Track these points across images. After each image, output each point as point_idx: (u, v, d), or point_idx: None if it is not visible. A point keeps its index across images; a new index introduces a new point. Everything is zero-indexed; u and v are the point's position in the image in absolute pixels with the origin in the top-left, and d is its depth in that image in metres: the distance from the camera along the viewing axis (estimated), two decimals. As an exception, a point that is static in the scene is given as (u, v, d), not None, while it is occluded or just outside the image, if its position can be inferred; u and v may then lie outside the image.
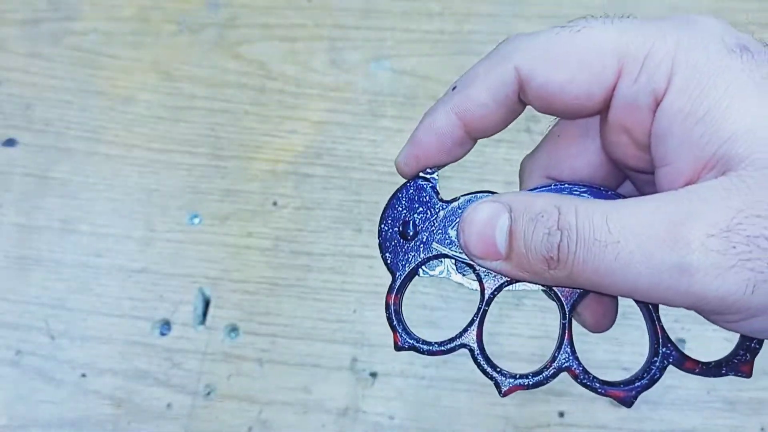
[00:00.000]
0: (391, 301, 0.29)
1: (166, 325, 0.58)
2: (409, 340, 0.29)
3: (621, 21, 0.24)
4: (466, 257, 0.28)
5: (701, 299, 0.21)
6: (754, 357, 0.27)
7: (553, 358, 0.28)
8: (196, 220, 0.61)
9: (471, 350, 0.28)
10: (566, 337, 0.28)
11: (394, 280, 0.29)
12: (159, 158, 0.63)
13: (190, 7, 0.68)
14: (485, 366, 0.28)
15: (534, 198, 0.24)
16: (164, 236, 0.60)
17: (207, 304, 0.58)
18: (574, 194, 0.27)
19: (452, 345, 0.28)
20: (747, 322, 0.22)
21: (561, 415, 0.54)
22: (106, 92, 0.65)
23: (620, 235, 0.21)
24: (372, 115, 0.64)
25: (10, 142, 0.64)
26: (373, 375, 0.56)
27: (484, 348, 0.28)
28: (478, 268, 0.28)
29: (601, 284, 0.22)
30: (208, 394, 0.56)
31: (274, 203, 0.61)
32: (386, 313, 0.29)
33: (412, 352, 0.29)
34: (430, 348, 0.29)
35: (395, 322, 0.29)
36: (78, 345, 0.58)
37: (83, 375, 0.57)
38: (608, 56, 0.23)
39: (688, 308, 0.22)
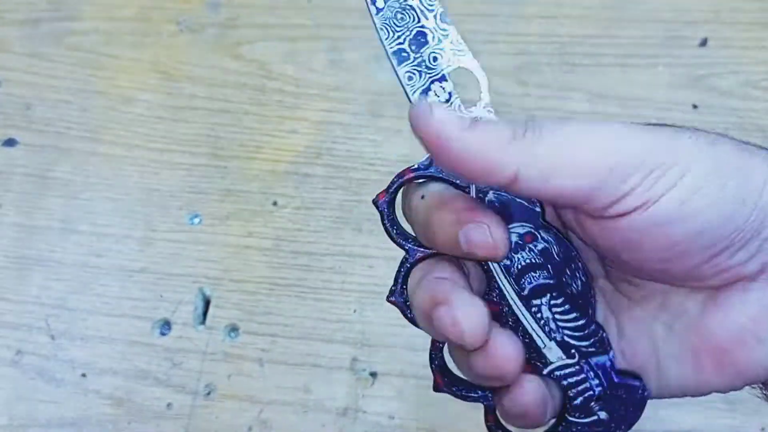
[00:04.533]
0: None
1: (166, 325, 0.58)
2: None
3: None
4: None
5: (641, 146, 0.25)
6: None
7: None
8: (196, 220, 0.61)
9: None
10: None
11: None
12: (159, 158, 0.63)
13: (190, 7, 0.68)
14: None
15: None
16: (164, 236, 0.60)
17: (207, 303, 0.58)
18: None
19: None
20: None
21: (561, 414, 0.54)
22: (106, 92, 0.65)
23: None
24: (372, 115, 0.64)
25: (10, 142, 0.64)
26: (373, 375, 0.56)
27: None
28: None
29: (558, 151, 0.25)
30: (209, 393, 0.56)
31: (274, 203, 0.61)
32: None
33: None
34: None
35: None
36: (78, 345, 0.58)
37: (83, 375, 0.57)
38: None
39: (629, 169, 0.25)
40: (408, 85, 0.29)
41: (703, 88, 0.63)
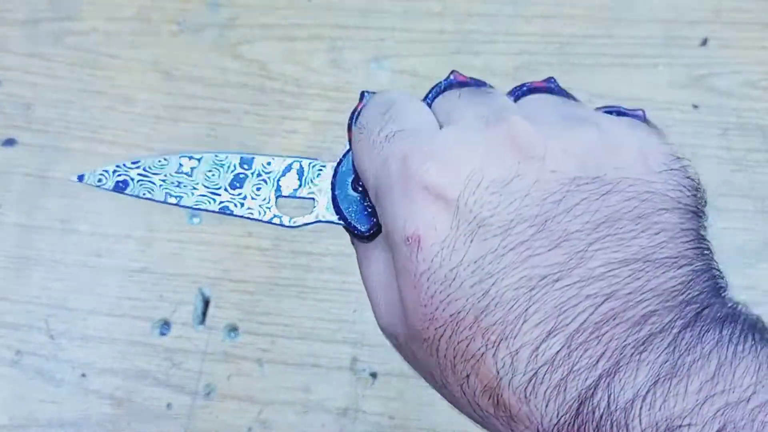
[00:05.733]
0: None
1: (166, 325, 0.58)
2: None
3: None
4: None
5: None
6: None
7: None
8: (196, 220, 0.61)
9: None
10: None
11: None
12: (159, 158, 0.63)
13: (190, 7, 0.68)
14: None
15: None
16: (164, 236, 0.60)
17: (207, 304, 0.58)
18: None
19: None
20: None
21: (561, 415, 0.54)
22: (106, 92, 0.65)
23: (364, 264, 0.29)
24: (372, 115, 0.64)
25: (10, 142, 0.64)
26: (373, 375, 0.56)
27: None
28: None
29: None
30: (208, 394, 0.56)
31: (274, 203, 0.61)
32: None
33: None
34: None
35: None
36: (78, 345, 0.58)
37: (83, 375, 0.57)
38: None
39: None
40: (258, 198, 0.30)
41: (703, 88, 0.63)
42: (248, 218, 0.30)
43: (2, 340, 0.58)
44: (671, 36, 0.65)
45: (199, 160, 0.30)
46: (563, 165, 0.22)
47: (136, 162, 0.30)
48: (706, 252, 0.22)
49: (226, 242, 0.60)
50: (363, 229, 0.28)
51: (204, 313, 0.58)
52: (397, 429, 0.55)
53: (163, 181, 0.30)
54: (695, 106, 0.62)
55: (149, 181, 0.30)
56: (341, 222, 0.29)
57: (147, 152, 0.63)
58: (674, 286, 0.21)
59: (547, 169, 0.22)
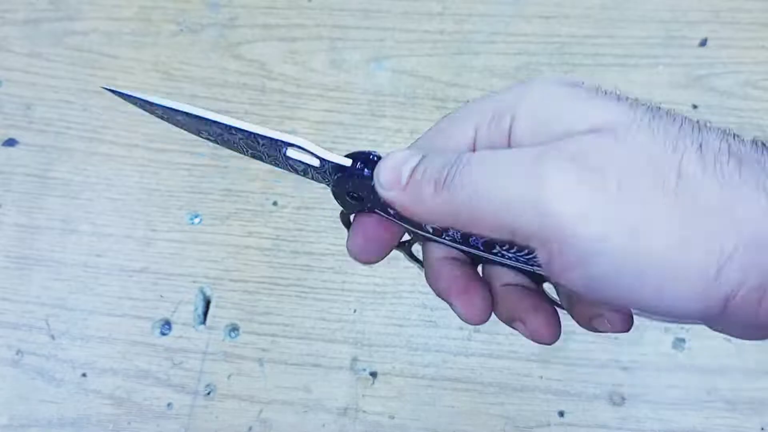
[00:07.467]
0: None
1: (166, 325, 0.58)
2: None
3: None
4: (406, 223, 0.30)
5: (549, 212, 0.23)
6: None
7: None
8: (197, 220, 0.61)
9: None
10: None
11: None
12: (159, 158, 0.63)
13: (190, 7, 0.68)
14: None
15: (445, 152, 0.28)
16: (165, 236, 0.60)
17: (207, 303, 0.58)
18: None
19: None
20: (582, 267, 0.23)
21: (561, 414, 0.54)
22: (106, 92, 0.65)
23: (491, 161, 0.26)
24: (372, 115, 0.64)
25: (11, 142, 0.64)
26: (373, 375, 0.56)
27: None
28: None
29: (470, 204, 0.25)
30: (209, 393, 0.56)
31: (274, 203, 0.61)
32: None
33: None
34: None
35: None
36: (78, 345, 0.58)
37: (84, 375, 0.57)
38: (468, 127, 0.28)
39: (531, 236, 0.24)
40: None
41: (703, 88, 0.63)
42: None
43: (2, 340, 0.58)
44: (671, 36, 0.65)
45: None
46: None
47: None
48: None
49: (227, 242, 0.60)
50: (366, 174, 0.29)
51: (205, 313, 0.58)
52: (397, 429, 0.55)
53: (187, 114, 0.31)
54: (695, 106, 0.62)
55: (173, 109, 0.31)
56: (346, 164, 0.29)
57: (147, 152, 0.63)
58: None
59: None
